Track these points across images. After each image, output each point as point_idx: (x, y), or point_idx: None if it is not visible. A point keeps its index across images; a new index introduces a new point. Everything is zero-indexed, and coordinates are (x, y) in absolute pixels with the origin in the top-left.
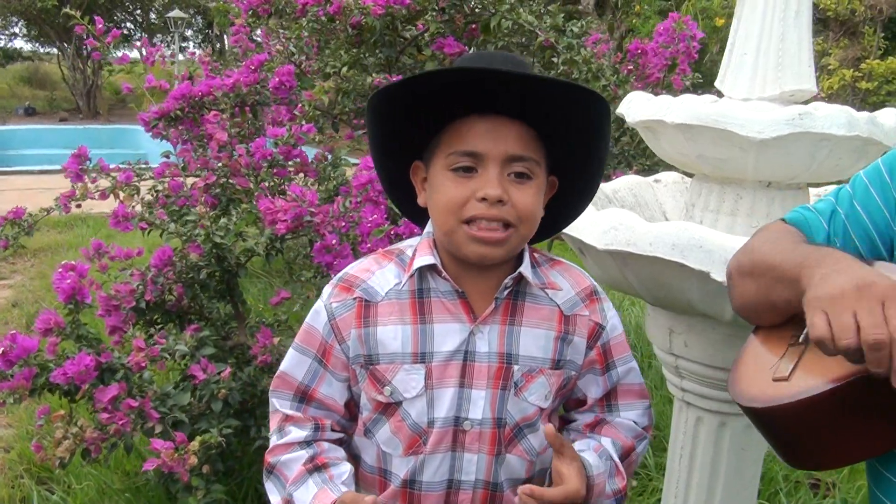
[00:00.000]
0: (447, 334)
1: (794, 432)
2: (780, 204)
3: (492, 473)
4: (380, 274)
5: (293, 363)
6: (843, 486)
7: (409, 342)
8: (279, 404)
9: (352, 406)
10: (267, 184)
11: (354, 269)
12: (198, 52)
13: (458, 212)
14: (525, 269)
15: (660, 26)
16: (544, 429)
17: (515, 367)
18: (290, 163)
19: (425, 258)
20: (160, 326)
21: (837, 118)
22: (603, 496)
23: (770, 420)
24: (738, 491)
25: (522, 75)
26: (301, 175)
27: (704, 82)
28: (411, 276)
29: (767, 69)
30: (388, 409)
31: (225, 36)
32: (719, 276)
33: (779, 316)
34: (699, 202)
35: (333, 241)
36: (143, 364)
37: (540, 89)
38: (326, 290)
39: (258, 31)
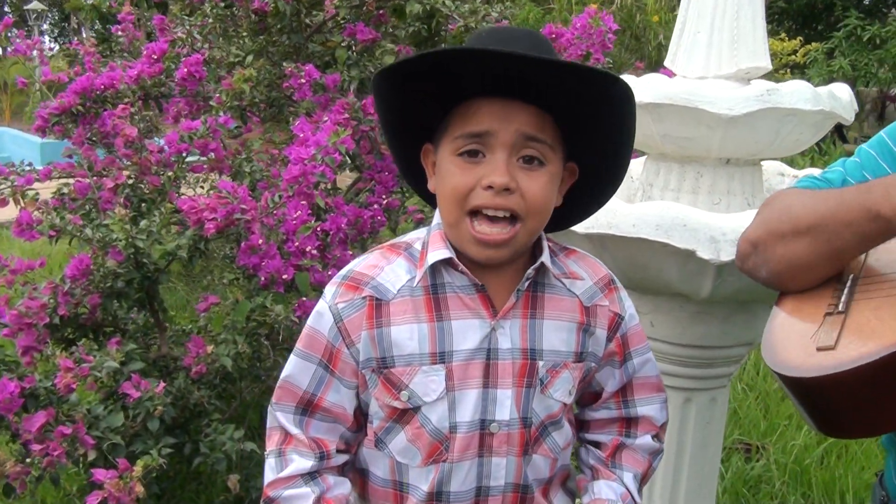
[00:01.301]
0: (467, 331)
1: (842, 400)
2: (739, 180)
3: (521, 475)
4: (389, 270)
5: (297, 370)
6: (773, 447)
7: (426, 341)
8: (283, 417)
9: (359, 415)
10: (180, 181)
11: (360, 265)
12: (55, 46)
13: (463, 201)
14: (546, 258)
15: (576, 20)
16: None
17: (540, 363)
18: (204, 159)
19: (440, 252)
20: (76, 343)
21: (803, 93)
22: None
23: (818, 390)
24: (703, 464)
25: (535, 60)
26: (214, 173)
27: (613, 68)
28: (426, 271)
29: (722, 47)
30: (405, 415)
31: (83, 29)
32: (705, 253)
33: (835, 265)
34: (657, 181)
35: (260, 241)
36: (73, 386)
37: (558, 73)
38: (329, 289)
39: (151, 20)
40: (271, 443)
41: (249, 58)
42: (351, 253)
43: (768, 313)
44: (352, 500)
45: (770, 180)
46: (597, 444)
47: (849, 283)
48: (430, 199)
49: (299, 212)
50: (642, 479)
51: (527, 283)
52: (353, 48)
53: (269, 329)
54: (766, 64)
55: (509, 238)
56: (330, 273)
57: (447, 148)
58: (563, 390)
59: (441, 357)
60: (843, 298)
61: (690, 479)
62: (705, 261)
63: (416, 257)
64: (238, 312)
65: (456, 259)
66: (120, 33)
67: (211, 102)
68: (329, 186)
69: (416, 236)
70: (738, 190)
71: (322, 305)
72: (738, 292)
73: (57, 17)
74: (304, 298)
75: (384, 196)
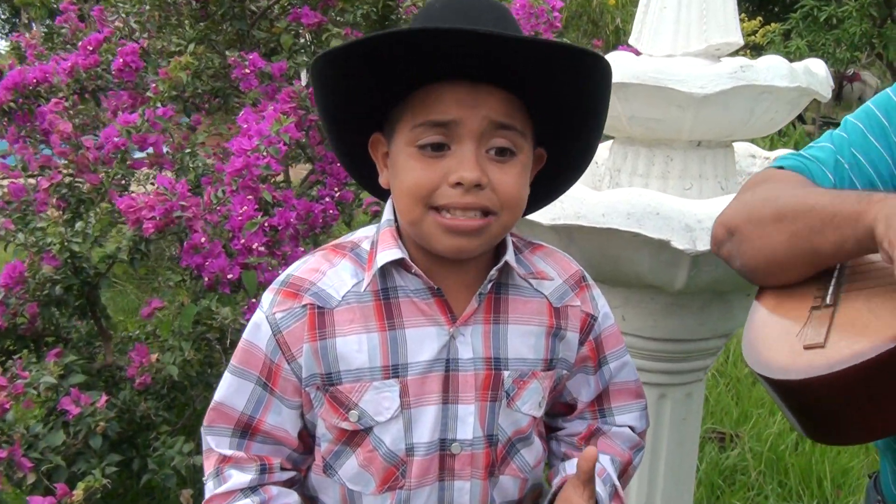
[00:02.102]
0: (423, 340)
1: (835, 404)
2: (711, 163)
3: (488, 499)
4: (332, 273)
5: (231, 390)
6: (748, 435)
7: (377, 354)
8: (215, 443)
9: (305, 436)
10: (129, 179)
11: (299, 269)
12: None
13: (426, 199)
14: (510, 256)
15: (516, 1)
16: (585, 453)
17: (505, 374)
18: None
19: (391, 251)
20: (14, 355)
21: (779, 69)
22: None
23: (807, 393)
24: (680, 461)
25: (502, 37)
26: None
27: None
28: (375, 274)
29: (691, 23)
30: (355, 437)
31: (34, 24)
32: (680, 243)
33: (810, 267)
34: (625, 167)
35: (203, 240)
36: (8, 405)
37: (525, 52)
38: (266, 297)
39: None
40: (208, 465)
41: (191, 46)
42: (303, 249)
43: (746, 303)
44: None
45: (740, 162)
46: (569, 435)
47: (836, 274)
48: (381, 194)
49: (245, 207)
50: (622, 472)
51: (489, 285)
52: (300, 34)
53: (219, 333)
54: (738, 39)
55: (483, 225)
56: (282, 271)
57: (403, 138)
58: (531, 402)
59: (394, 371)
60: (830, 290)
61: (667, 478)
62: (680, 251)
63: (364, 259)
64: (184, 317)
65: (409, 260)
66: (63, 25)
67: (148, 93)
68: (280, 179)
69: (363, 235)
70: (710, 173)
71: (258, 316)
72: (715, 282)
73: (7, 14)
74: (254, 300)
75: (336, 188)
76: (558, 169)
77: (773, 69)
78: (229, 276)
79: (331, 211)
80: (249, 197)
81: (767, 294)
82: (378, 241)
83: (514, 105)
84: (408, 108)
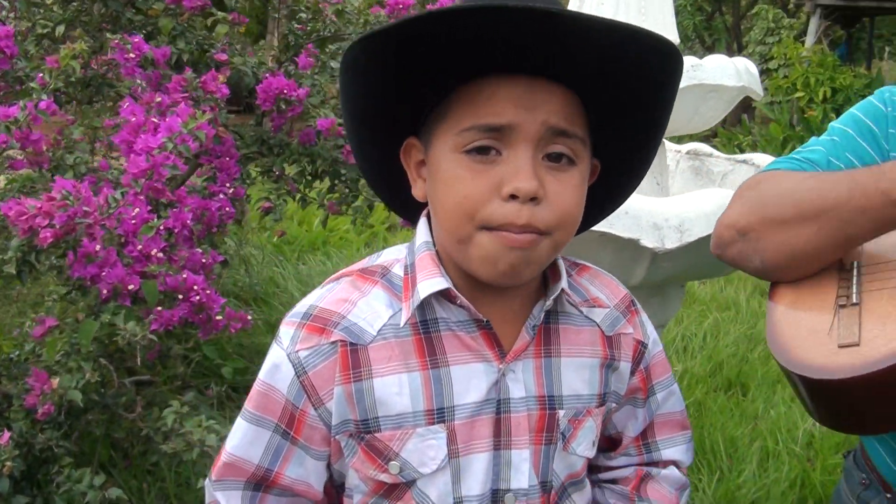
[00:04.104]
0: (469, 379)
1: (867, 399)
2: (656, 160)
3: None
4: (364, 304)
5: (246, 440)
6: None
7: (420, 396)
8: (225, 499)
9: (329, 489)
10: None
11: (325, 300)
12: None
13: (476, 213)
14: (564, 283)
15: None
16: None
17: (560, 413)
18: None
19: (434, 281)
20: None
21: (726, 69)
22: None
23: (846, 391)
24: None
25: (573, 15)
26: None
27: None
28: (417, 305)
29: (629, 19)
30: (395, 490)
31: None
32: (649, 241)
33: (843, 252)
34: None
35: (97, 248)
36: None
37: (593, 37)
38: (285, 331)
39: None
40: None
41: (60, 28)
42: (200, 251)
43: (680, 293)
44: None
45: (676, 158)
46: (614, 481)
47: (855, 272)
48: (405, 209)
49: (137, 209)
50: None
51: (542, 315)
52: (180, 17)
53: (120, 351)
54: (675, 37)
55: (534, 242)
56: (185, 277)
57: (447, 143)
58: (586, 443)
59: (440, 415)
60: (853, 289)
61: None
62: (644, 248)
63: (399, 286)
64: (82, 335)
65: (455, 290)
66: None
67: (32, 85)
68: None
69: (392, 258)
70: (654, 170)
71: (277, 354)
72: (667, 277)
73: None
74: (160, 309)
75: (228, 184)
76: (615, 180)
77: (721, 69)
78: (130, 287)
79: (227, 209)
80: (141, 198)
81: (783, 291)
82: (417, 265)
83: (575, 107)
84: (452, 108)
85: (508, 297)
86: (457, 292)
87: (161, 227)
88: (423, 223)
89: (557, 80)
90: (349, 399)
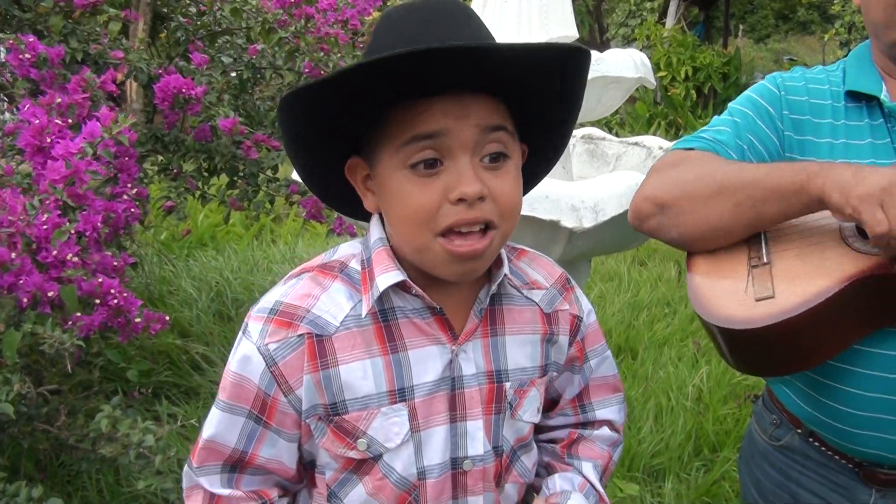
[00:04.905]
0: (426, 361)
1: (782, 343)
2: None
3: None
4: (326, 298)
5: (221, 427)
6: None
7: (382, 379)
8: (208, 482)
9: (300, 468)
10: None
11: (289, 296)
12: None
13: (432, 222)
14: (507, 269)
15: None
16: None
17: (507, 385)
18: None
19: (391, 274)
20: None
21: (626, 62)
22: None
23: (763, 336)
24: None
25: (495, 49)
26: None
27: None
28: (376, 297)
29: (532, 16)
30: (363, 465)
31: None
32: (569, 222)
33: (753, 230)
34: None
35: (13, 256)
36: None
37: (514, 58)
38: (254, 326)
39: None
40: None
41: None
42: (110, 254)
43: (586, 268)
44: None
45: (573, 142)
46: (552, 441)
47: (763, 236)
48: (361, 215)
49: (48, 213)
50: (603, 472)
51: (488, 299)
52: (71, 15)
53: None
54: (574, 32)
55: (485, 248)
56: (101, 281)
57: (392, 160)
58: (532, 410)
59: (401, 394)
60: (763, 251)
61: None
62: (563, 228)
63: (357, 280)
64: (6, 346)
65: (410, 281)
66: None
67: None
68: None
69: (348, 253)
70: None
71: (247, 347)
72: (581, 254)
73: None
74: (79, 315)
75: (130, 185)
76: (534, 162)
77: (621, 62)
78: (50, 294)
79: (133, 210)
80: (48, 201)
81: (698, 260)
82: (373, 261)
83: (500, 106)
84: (389, 128)
85: (458, 285)
86: (412, 283)
87: (73, 232)
88: (375, 221)
89: (482, 91)
90: (318, 386)
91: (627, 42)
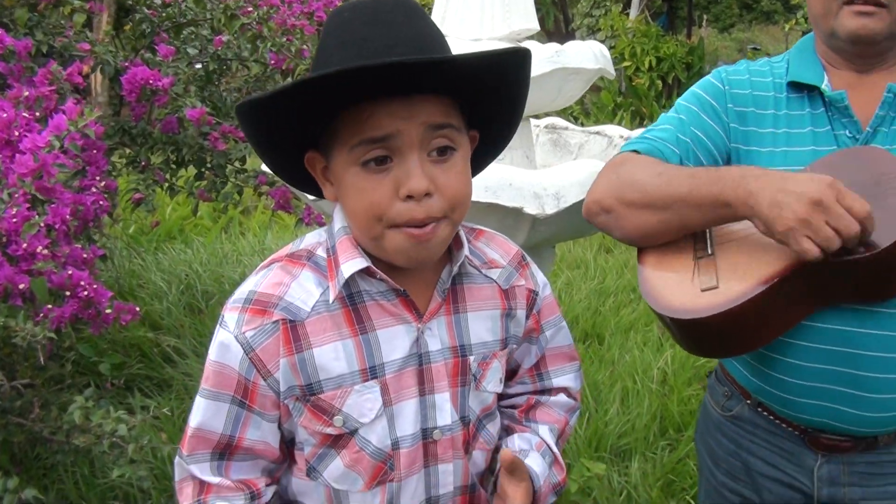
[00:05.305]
0: (394, 339)
1: (727, 329)
2: (518, 136)
3: (468, 476)
4: (296, 286)
5: (208, 414)
6: None
7: (354, 358)
8: (198, 470)
9: (282, 446)
10: None
11: (262, 285)
12: None
13: (383, 216)
14: (466, 251)
15: None
16: (502, 454)
17: (471, 358)
18: None
19: (355, 261)
20: None
21: (586, 53)
22: (545, 499)
23: (709, 324)
24: None
25: (437, 61)
26: None
27: None
28: (342, 283)
29: (495, 9)
30: (340, 440)
31: None
32: (532, 209)
33: (681, 235)
34: None
35: None
36: None
37: (457, 66)
38: (230, 316)
39: None
40: (185, 497)
41: None
42: (79, 247)
43: (551, 253)
44: None
45: (536, 132)
46: (512, 407)
47: (708, 231)
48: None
49: (17, 207)
50: (560, 436)
51: (449, 280)
52: (36, 7)
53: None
54: (535, 25)
55: (435, 233)
56: (70, 273)
57: (345, 158)
58: (494, 381)
59: (372, 372)
60: (708, 243)
61: None
62: (526, 215)
63: (324, 267)
64: None
65: (373, 267)
66: None
67: None
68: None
69: (314, 241)
70: (517, 145)
71: (225, 336)
72: (545, 240)
73: None
74: (50, 307)
75: (98, 177)
76: (484, 148)
77: (581, 53)
78: (21, 287)
79: (101, 202)
80: (18, 194)
81: (648, 254)
82: (337, 248)
83: (446, 103)
84: (340, 128)
85: (420, 268)
86: (376, 269)
87: (42, 225)
88: (338, 209)
89: (430, 91)
90: (293, 368)
91: (592, 32)
